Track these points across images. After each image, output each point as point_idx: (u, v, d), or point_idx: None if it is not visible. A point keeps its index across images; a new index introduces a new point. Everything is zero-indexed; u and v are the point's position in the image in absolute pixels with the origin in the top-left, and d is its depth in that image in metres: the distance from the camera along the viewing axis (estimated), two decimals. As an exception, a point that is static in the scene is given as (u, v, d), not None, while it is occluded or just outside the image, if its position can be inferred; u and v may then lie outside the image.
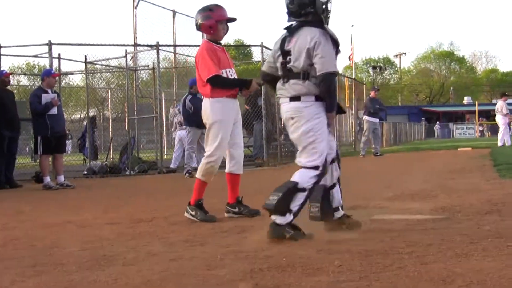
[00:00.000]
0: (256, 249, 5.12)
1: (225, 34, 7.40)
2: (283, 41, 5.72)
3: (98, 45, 18.14)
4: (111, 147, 22.08)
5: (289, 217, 5.39)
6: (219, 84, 7.11)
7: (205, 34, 7.41)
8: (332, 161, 5.77)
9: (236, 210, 7.37)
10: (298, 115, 5.55)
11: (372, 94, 24.22)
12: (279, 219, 5.38)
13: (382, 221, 6.53)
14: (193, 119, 14.89)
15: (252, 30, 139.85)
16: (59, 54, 17.56)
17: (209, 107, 7.16)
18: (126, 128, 20.08)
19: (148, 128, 24.68)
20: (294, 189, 5.42)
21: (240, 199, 7.41)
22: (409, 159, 20.86)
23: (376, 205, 7.94)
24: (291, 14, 5.68)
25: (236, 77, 7.40)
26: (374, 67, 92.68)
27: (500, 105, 26.98)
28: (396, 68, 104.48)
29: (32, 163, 20.33)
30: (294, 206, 5.40)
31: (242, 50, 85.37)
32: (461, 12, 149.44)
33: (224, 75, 7.18)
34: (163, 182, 14.81)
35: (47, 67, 16.05)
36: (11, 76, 15.25)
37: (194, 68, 25.48)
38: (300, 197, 5.42)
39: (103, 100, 29.45)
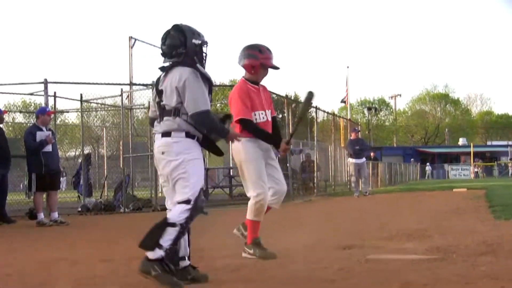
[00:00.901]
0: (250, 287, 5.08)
1: (264, 77, 7.36)
2: (158, 81, 5.80)
3: (94, 83, 18.19)
4: (105, 185, 22.05)
5: (159, 252, 5.27)
6: (247, 129, 7.04)
7: (245, 72, 7.26)
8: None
9: (251, 252, 7.21)
10: (168, 150, 5.55)
11: (352, 136, 24.33)
12: (150, 254, 5.30)
13: (377, 260, 6.50)
14: None
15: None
16: (54, 92, 17.59)
17: (239, 147, 7.04)
18: (121, 166, 20.08)
19: (143, 166, 24.68)
20: (164, 224, 5.37)
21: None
22: (404, 199, 20.83)
23: (371, 245, 7.91)
24: (164, 55, 5.73)
25: (269, 118, 7.22)
26: (369, 108, 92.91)
27: None
28: (391, 109, 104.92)
29: (26, 200, 20.24)
30: (165, 241, 5.30)
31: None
32: (456, 55, 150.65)
33: (256, 117, 7.10)
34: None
35: (43, 105, 16.09)
36: (6, 113, 15.26)
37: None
38: (170, 232, 5.33)
39: (98, 138, 29.47)
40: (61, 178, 16.03)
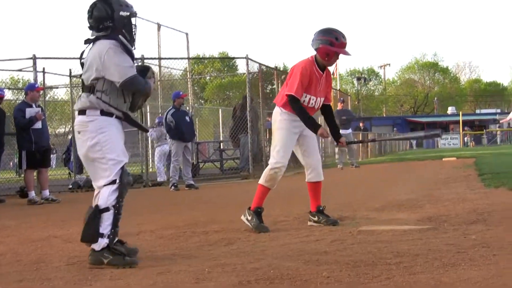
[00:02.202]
0: (244, 261, 5.11)
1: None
2: (82, 54, 5.66)
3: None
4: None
5: (103, 241, 5.22)
6: (292, 106, 7.10)
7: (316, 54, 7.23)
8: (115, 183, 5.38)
9: (316, 219, 7.35)
10: (83, 130, 5.42)
11: (338, 106, 24.28)
12: (95, 246, 5.24)
13: (369, 231, 6.54)
14: (175, 132, 15.14)
15: (237, 42, 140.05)
16: (43, 68, 17.48)
17: (278, 116, 7.27)
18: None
19: (133, 141, 24.58)
20: (96, 212, 5.26)
21: (322, 208, 7.37)
22: (394, 170, 20.91)
23: (363, 216, 7.95)
24: (91, 28, 5.55)
25: (317, 106, 7.31)
26: (358, 78, 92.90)
27: None
28: (380, 79, 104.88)
29: (16, 178, 20.21)
30: (104, 228, 5.24)
31: (227, 62, 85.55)
32: (445, 23, 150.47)
33: (305, 99, 7.14)
34: (149, 196, 14.78)
35: (32, 81, 16.00)
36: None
37: (178, 81, 25.59)
38: (107, 218, 5.25)
39: (88, 113, 29.30)
40: (51, 155, 15.95)
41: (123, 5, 5.53)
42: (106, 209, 5.26)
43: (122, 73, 5.31)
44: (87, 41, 5.58)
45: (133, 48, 5.61)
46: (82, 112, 5.44)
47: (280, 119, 7.25)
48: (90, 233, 5.25)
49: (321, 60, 7.17)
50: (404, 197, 10.19)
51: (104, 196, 5.27)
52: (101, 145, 5.33)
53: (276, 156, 7.18)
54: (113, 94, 5.41)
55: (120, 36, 5.44)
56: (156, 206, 11.42)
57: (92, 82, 5.41)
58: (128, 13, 5.53)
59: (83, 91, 5.54)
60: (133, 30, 5.61)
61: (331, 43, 7.09)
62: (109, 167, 5.32)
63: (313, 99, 7.20)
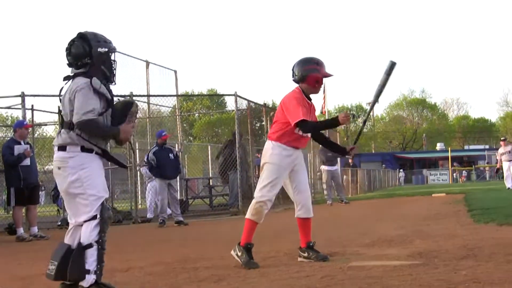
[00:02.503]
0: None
1: None
2: (61, 90, 5.64)
3: (72, 96, 17.98)
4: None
5: (90, 277, 5.20)
6: (309, 128, 7.16)
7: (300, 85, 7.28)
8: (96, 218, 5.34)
9: (306, 255, 7.31)
10: (63, 166, 5.40)
11: None
12: (83, 283, 5.20)
13: (360, 267, 6.51)
14: (157, 170, 15.51)
15: (225, 79, 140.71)
16: (32, 105, 17.46)
17: (269, 149, 7.26)
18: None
19: (122, 178, 24.57)
20: (80, 249, 5.23)
21: (312, 244, 7.34)
22: (384, 206, 20.92)
23: (353, 252, 7.93)
24: (69, 65, 5.55)
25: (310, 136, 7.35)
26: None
27: None
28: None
29: (5, 215, 20.10)
30: (90, 265, 5.21)
31: (216, 99, 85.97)
32: (432, 60, 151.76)
33: (296, 129, 7.13)
34: (138, 232, 14.71)
35: (20, 118, 15.98)
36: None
37: (167, 118, 25.60)
38: (91, 254, 5.22)
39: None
40: (40, 192, 15.90)
41: (101, 41, 5.54)
42: (90, 245, 5.22)
43: (79, 115, 5.26)
44: (66, 78, 5.57)
45: (113, 83, 5.65)
46: (62, 148, 5.43)
47: (271, 153, 7.24)
48: (77, 271, 5.20)
49: (310, 89, 7.26)
50: (394, 232, 10.18)
51: (86, 232, 5.24)
52: (81, 181, 5.31)
53: (263, 190, 7.18)
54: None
55: (94, 78, 5.38)
56: (145, 242, 11.36)
57: (72, 118, 5.38)
58: (106, 49, 5.54)
59: (62, 127, 5.52)
60: (113, 65, 5.62)
61: (316, 70, 7.22)
62: (90, 203, 5.31)
63: None
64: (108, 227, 5.42)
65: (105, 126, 5.43)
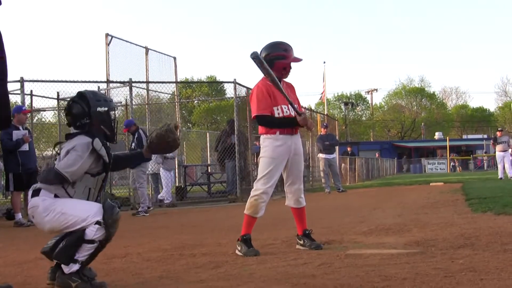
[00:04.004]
0: (231, 284, 5.10)
1: None
2: (58, 143, 5.58)
3: (70, 81, 17.95)
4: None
5: (74, 266, 5.09)
6: (265, 124, 7.17)
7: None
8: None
9: (302, 242, 7.35)
10: (35, 212, 5.17)
11: (322, 131, 24.35)
12: (65, 268, 5.10)
13: (357, 255, 6.53)
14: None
15: (225, 67, 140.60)
16: (31, 91, 17.47)
17: (261, 144, 7.29)
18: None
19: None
20: (79, 240, 5.09)
21: (308, 232, 7.36)
22: (382, 194, 20.94)
23: (350, 240, 7.94)
24: (69, 125, 5.47)
25: (293, 113, 7.19)
26: (346, 103, 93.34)
27: None
28: (367, 104, 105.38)
29: (3, 200, 20.10)
30: (80, 256, 5.10)
31: (215, 86, 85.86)
32: (432, 49, 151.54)
33: (278, 111, 7.14)
34: (136, 219, 14.71)
35: (19, 103, 15.97)
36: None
37: (166, 105, 25.61)
38: (88, 248, 5.10)
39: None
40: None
41: (101, 100, 5.44)
42: (91, 242, 5.11)
43: (61, 165, 5.12)
44: (68, 136, 5.43)
45: (115, 143, 5.58)
46: (36, 192, 5.24)
47: (262, 147, 7.27)
48: (64, 256, 5.10)
49: (278, 75, 7.18)
50: (391, 221, 10.20)
51: (92, 230, 5.10)
52: (58, 217, 5.09)
53: (257, 184, 7.20)
54: (79, 189, 5.26)
55: (97, 139, 5.27)
56: (143, 229, 11.37)
57: None
58: (106, 108, 5.43)
59: None
60: (113, 124, 5.52)
61: (283, 57, 7.20)
62: (79, 227, 5.10)
63: (285, 108, 7.18)
64: (115, 229, 5.24)
65: (54, 181, 5.20)
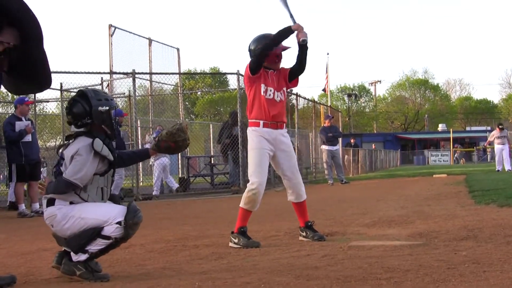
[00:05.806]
0: (234, 275, 5.09)
1: None
2: (61, 146, 5.53)
3: (73, 72, 17.93)
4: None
5: (83, 256, 5.14)
6: (262, 49, 7.12)
7: None
8: None
9: (304, 234, 7.36)
10: (53, 221, 5.21)
11: (326, 123, 24.33)
12: (73, 256, 5.16)
13: (360, 247, 6.52)
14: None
15: (228, 58, 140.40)
16: (34, 82, 17.43)
17: (249, 137, 7.27)
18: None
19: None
20: (96, 233, 5.13)
21: (310, 224, 7.37)
22: (385, 186, 20.93)
23: (353, 232, 7.94)
24: (70, 123, 5.43)
25: (281, 98, 7.27)
26: (349, 95, 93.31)
27: None
28: (371, 96, 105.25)
29: (6, 191, 20.13)
30: (92, 248, 5.13)
31: (218, 78, 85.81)
32: (436, 41, 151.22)
33: (263, 89, 7.15)
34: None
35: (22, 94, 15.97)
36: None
37: (170, 96, 25.61)
38: (101, 243, 5.15)
39: (78, 127, 29.20)
40: (41, 169, 15.92)
41: (102, 100, 5.39)
42: (107, 238, 5.15)
43: (68, 173, 5.14)
44: (69, 137, 5.44)
45: (114, 140, 5.55)
46: (50, 202, 5.26)
47: (249, 139, 7.25)
48: (76, 244, 5.15)
49: (271, 65, 7.24)
50: (394, 213, 10.19)
51: (111, 228, 5.15)
52: (78, 222, 5.15)
53: (251, 177, 7.14)
54: (92, 192, 5.29)
55: (97, 139, 5.25)
56: (146, 219, 11.33)
57: None
58: (107, 108, 5.37)
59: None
60: (114, 123, 5.50)
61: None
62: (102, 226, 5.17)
63: (270, 90, 7.19)
64: (134, 231, 5.32)
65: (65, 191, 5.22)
